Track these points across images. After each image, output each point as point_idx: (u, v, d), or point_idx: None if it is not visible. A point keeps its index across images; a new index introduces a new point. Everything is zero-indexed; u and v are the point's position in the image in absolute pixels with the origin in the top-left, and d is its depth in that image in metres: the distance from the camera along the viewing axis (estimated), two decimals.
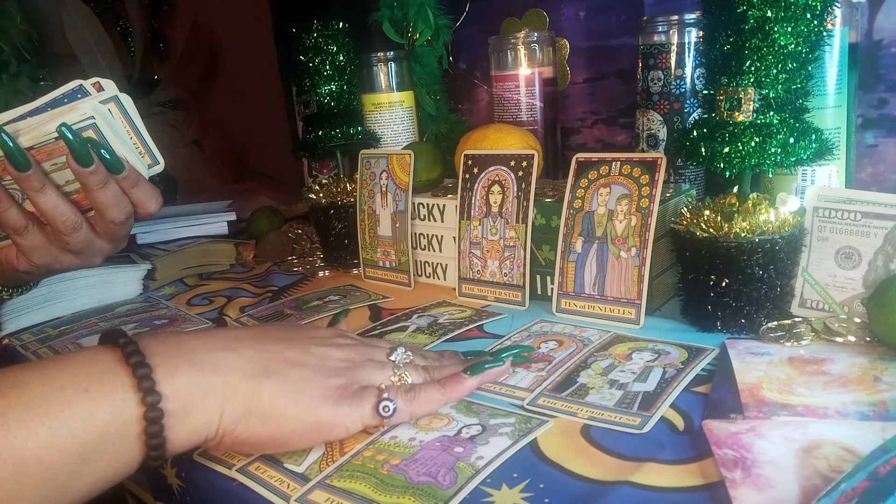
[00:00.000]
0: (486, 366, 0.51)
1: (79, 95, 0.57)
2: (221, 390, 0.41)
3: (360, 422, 0.45)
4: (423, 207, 0.80)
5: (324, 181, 0.92)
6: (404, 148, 0.86)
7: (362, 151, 0.86)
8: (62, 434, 0.36)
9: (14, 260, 0.61)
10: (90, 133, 0.54)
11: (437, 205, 0.79)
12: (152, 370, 0.39)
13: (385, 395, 0.46)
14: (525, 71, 0.90)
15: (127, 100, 0.58)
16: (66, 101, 0.56)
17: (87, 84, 0.57)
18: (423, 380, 0.49)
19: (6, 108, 0.57)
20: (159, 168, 0.60)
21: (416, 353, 0.52)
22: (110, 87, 0.58)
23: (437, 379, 0.50)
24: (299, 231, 1.07)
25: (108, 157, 0.55)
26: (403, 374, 0.48)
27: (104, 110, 0.55)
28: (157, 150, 0.60)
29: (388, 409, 0.45)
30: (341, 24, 0.90)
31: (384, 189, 0.82)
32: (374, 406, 0.45)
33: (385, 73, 0.97)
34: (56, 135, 0.52)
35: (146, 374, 0.38)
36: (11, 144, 0.52)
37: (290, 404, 0.43)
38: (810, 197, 0.58)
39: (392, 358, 0.49)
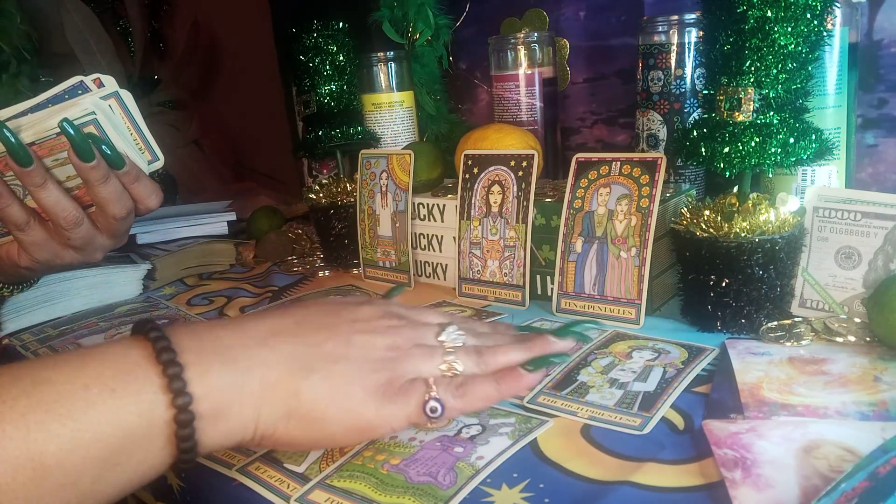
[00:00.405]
0: (552, 359, 0.47)
1: (79, 92, 0.57)
2: (259, 392, 0.38)
3: (406, 421, 0.42)
4: (423, 207, 0.80)
5: (324, 181, 0.92)
6: (404, 148, 0.86)
7: (362, 151, 0.86)
8: (86, 437, 0.33)
9: (15, 256, 0.61)
10: (91, 129, 0.54)
11: (437, 205, 0.79)
12: (184, 369, 0.36)
13: (433, 392, 0.42)
14: (525, 71, 0.90)
15: (127, 96, 0.58)
16: (66, 97, 0.57)
17: (88, 80, 0.57)
18: (476, 368, 0.45)
19: (6, 107, 0.57)
20: (159, 164, 0.61)
21: (468, 330, 0.48)
22: (111, 83, 0.58)
23: (491, 368, 0.45)
24: (299, 231, 1.07)
25: (108, 152, 0.55)
26: (454, 363, 0.44)
27: (105, 106, 0.55)
28: (157, 147, 0.60)
29: (437, 411, 0.42)
30: (341, 24, 0.90)
31: (384, 189, 0.82)
32: (420, 405, 0.42)
33: (385, 73, 0.97)
34: (57, 130, 0.52)
35: (177, 374, 0.36)
36: (13, 140, 0.52)
37: (331, 405, 0.40)
38: (810, 197, 0.58)
39: (442, 339, 0.46)
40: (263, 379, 0.39)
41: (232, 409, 0.38)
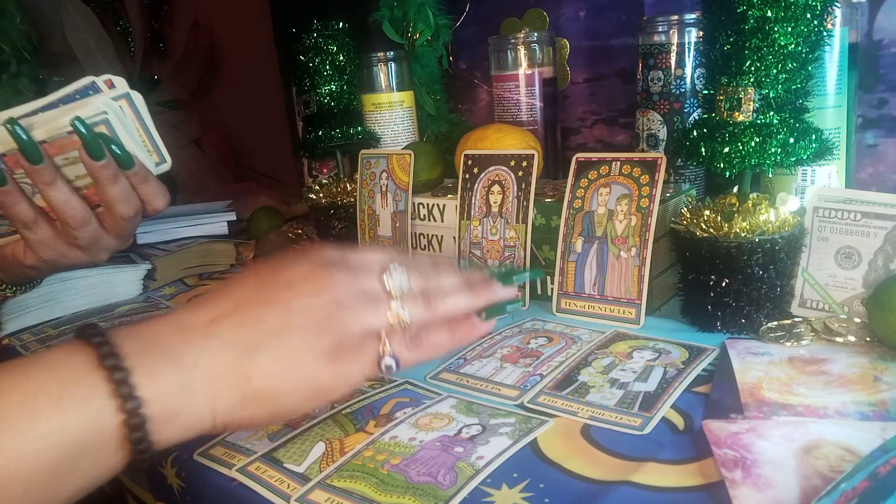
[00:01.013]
0: (507, 307, 0.46)
1: (90, 92, 0.57)
2: (209, 384, 0.38)
3: (362, 377, 0.42)
4: (423, 207, 0.80)
5: (324, 181, 0.92)
6: (404, 148, 0.86)
7: (362, 151, 0.86)
8: (35, 448, 0.33)
9: (21, 255, 0.61)
10: (102, 128, 0.55)
11: (437, 205, 0.79)
12: (130, 373, 0.36)
13: (387, 347, 0.42)
14: (525, 71, 0.90)
15: (138, 97, 0.58)
16: (78, 97, 0.57)
17: (99, 81, 0.58)
18: (427, 315, 0.43)
19: (6, 108, 0.57)
20: (166, 167, 0.61)
21: (411, 269, 0.45)
22: (121, 84, 0.58)
23: (441, 315, 0.44)
24: (299, 231, 1.07)
25: (118, 152, 0.55)
26: (402, 313, 0.42)
27: (116, 106, 0.56)
28: (165, 149, 0.61)
29: (392, 369, 0.42)
30: (341, 24, 0.90)
31: (384, 189, 0.82)
32: (374, 361, 0.42)
33: (385, 73, 0.97)
34: (69, 129, 0.53)
35: (123, 379, 0.35)
36: (25, 137, 0.52)
37: (284, 380, 0.39)
38: (810, 197, 0.58)
39: (387, 285, 0.43)
40: (211, 370, 0.38)
41: (184, 407, 0.37)
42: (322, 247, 0.46)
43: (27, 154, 0.53)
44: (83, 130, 0.53)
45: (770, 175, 0.67)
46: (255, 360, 0.39)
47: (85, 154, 0.53)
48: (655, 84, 0.77)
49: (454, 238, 0.76)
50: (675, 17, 0.75)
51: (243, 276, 0.44)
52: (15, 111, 0.55)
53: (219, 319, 0.40)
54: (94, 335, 0.37)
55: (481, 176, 0.73)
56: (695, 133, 0.56)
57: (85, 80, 0.58)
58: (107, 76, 0.58)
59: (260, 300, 0.41)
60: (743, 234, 0.55)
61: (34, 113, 0.56)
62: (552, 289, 0.67)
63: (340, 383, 0.41)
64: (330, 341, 0.40)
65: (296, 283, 0.42)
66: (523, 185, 0.70)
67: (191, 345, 0.39)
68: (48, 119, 0.55)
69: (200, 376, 0.38)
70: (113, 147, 0.55)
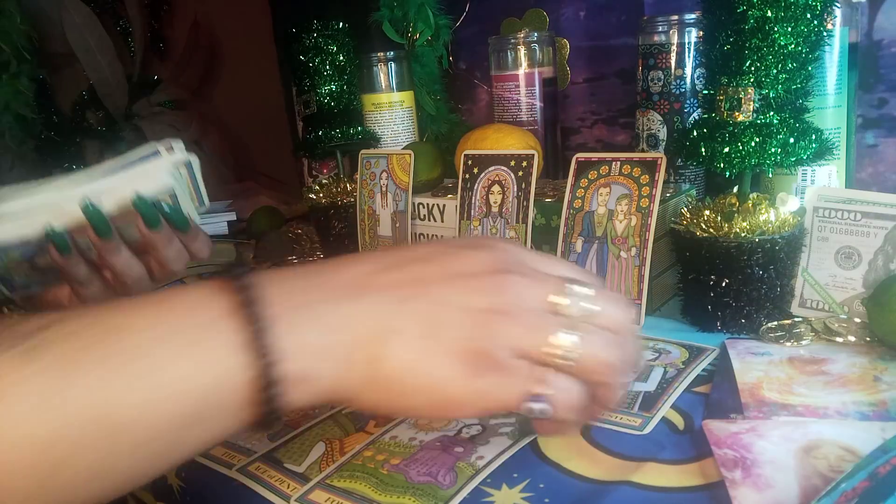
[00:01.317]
0: None
1: (152, 158, 0.59)
2: (345, 354, 0.34)
3: (497, 404, 0.35)
4: (423, 207, 0.80)
5: (324, 181, 0.92)
6: (404, 148, 0.86)
7: (362, 151, 0.86)
8: (164, 394, 0.30)
9: (65, 301, 0.60)
10: (165, 198, 0.57)
11: (437, 205, 0.79)
12: (270, 325, 0.32)
13: (540, 383, 0.34)
14: (525, 71, 0.90)
15: (195, 161, 0.61)
16: (140, 163, 0.59)
17: (161, 147, 0.59)
18: (603, 356, 0.35)
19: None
20: (204, 209, 0.63)
21: (598, 294, 0.36)
22: (180, 148, 0.60)
23: (615, 362, 0.36)
24: (299, 231, 1.07)
25: (176, 217, 0.57)
26: (566, 351, 0.34)
27: (177, 174, 0.58)
28: (206, 193, 0.63)
29: (544, 412, 0.35)
30: (341, 24, 0.90)
31: (384, 189, 0.82)
32: (519, 394, 0.34)
33: (385, 73, 0.97)
34: (133, 200, 0.55)
35: (262, 331, 0.32)
36: (98, 214, 0.54)
37: (414, 378, 0.34)
38: (810, 197, 0.58)
39: (560, 306, 0.35)
40: (350, 338, 0.34)
41: (317, 371, 0.34)
42: (503, 242, 0.39)
43: (97, 229, 0.54)
44: (145, 208, 0.55)
45: (770, 175, 0.67)
46: (391, 345, 0.34)
47: (143, 225, 0.55)
48: (655, 84, 0.77)
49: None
50: (675, 17, 0.75)
51: (416, 246, 0.39)
52: (77, 178, 0.57)
53: (370, 285, 0.36)
54: (237, 278, 0.34)
55: (481, 176, 0.73)
56: (695, 133, 0.56)
57: (148, 149, 0.59)
58: (167, 141, 0.60)
59: (416, 279, 0.36)
60: (743, 234, 0.55)
61: (96, 177, 0.57)
62: None
63: (473, 401, 0.35)
64: (475, 350, 0.34)
65: (460, 276, 0.36)
66: (523, 185, 0.70)
67: (337, 307, 0.35)
68: (113, 189, 0.56)
69: (337, 345, 0.34)
70: (171, 212, 0.57)
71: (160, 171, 0.57)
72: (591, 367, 0.35)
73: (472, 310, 0.35)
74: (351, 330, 0.34)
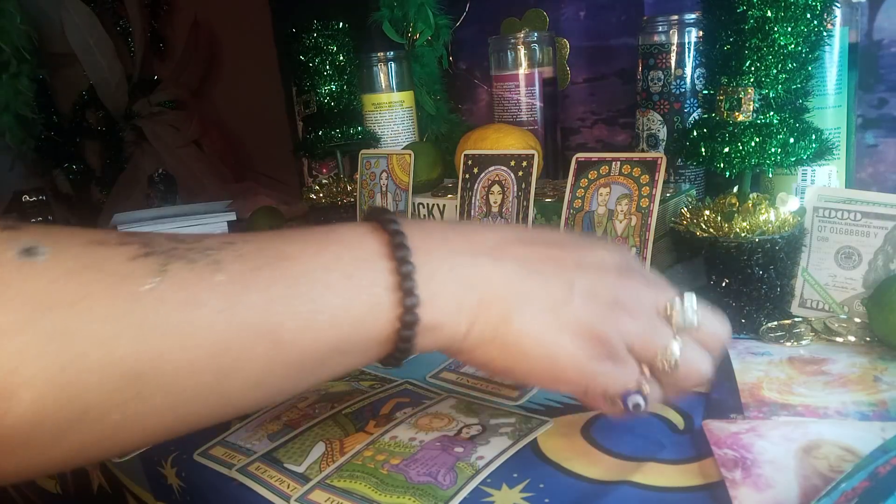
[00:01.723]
0: None
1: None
2: (475, 309, 0.36)
3: (602, 389, 0.38)
4: (423, 207, 0.80)
5: (324, 181, 0.92)
6: (404, 148, 0.86)
7: (362, 151, 0.86)
8: (321, 319, 0.32)
9: None
10: None
11: (437, 205, 0.79)
12: (416, 270, 0.34)
13: (643, 382, 0.38)
14: (525, 71, 0.90)
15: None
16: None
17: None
18: (697, 366, 0.38)
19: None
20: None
21: (699, 310, 0.39)
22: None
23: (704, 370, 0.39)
24: None
25: None
26: (675, 351, 0.37)
27: None
28: None
29: (640, 407, 0.37)
30: (341, 24, 0.90)
31: (384, 189, 0.82)
32: (623, 383, 0.38)
33: (385, 73, 0.97)
34: None
35: (409, 273, 0.34)
36: None
37: (536, 346, 0.36)
38: (810, 197, 0.58)
39: (672, 313, 0.38)
40: (482, 296, 0.36)
41: (447, 320, 0.36)
42: (622, 248, 0.42)
43: None
44: None
45: (770, 175, 0.67)
46: (522, 309, 0.36)
47: None
48: (655, 84, 0.77)
49: None
50: (675, 17, 0.75)
51: (533, 230, 0.41)
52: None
53: (506, 247, 0.38)
54: (389, 221, 0.36)
55: (481, 176, 0.73)
56: (695, 133, 0.56)
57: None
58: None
59: (548, 256, 0.38)
60: (743, 234, 0.55)
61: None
62: None
63: (582, 379, 0.37)
64: (598, 335, 0.37)
65: (585, 266, 0.39)
66: (523, 185, 0.70)
67: (475, 262, 0.37)
68: None
69: (471, 297, 0.36)
70: None
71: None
72: (683, 377, 0.38)
73: (599, 298, 0.37)
74: (486, 287, 0.36)
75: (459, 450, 0.44)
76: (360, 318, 0.34)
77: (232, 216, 1.11)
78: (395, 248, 0.35)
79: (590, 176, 0.65)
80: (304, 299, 0.32)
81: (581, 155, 0.66)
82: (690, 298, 0.38)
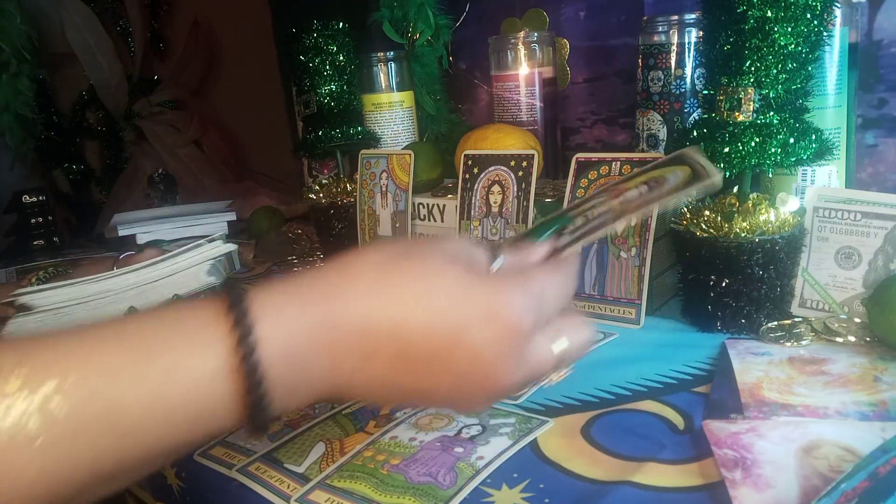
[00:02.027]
0: None
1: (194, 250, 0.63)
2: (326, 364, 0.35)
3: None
4: (423, 207, 0.80)
5: (324, 181, 0.92)
6: (404, 148, 0.86)
7: (362, 151, 0.86)
8: (169, 387, 0.32)
9: None
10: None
11: (437, 205, 0.79)
12: (249, 316, 0.34)
13: None
14: (525, 71, 0.90)
15: (234, 250, 0.67)
16: (183, 255, 0.65)
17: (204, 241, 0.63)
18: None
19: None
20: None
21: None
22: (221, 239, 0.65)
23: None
24: (299, 231, 1.07)
25: None
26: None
27: (218, 268, 0.65)
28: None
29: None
30: (341, 24, 0.90)
31: (384, 189, 0.82)
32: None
33: (385, 73, 0.97)
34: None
35: (241, 320, 0.33)
36: None
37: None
38: (810, 197, 0.58)
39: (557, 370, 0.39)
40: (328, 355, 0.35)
41: (303, 367, 0.34)
42: (521, 314, 0.34)
43: None
44: None
45: (770, 175, 0.67)
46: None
47: None
48: (655, 84, 0.77)
49: None
50: (675, 17, 0.75)
51: (422, 346, 0.35)
52: (130, 279, 0.60)
53: (364, 379, 0.36)
54: (233, 287, 0.35)
55: (481, 176, 0.73)
56: (695, 133, 0.56)
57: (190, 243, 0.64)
58: (211, 237, 0.65)
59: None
60: (743, 234, 0.55)
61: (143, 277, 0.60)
62: None
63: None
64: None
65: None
66: (523, 185, 0.70)
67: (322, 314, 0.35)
68: (153, 289, 0.61)
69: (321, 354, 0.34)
70: None
71: (201, 270, 0.57)
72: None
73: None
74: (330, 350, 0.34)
75: (459, 450, 0.44)
76: (200, 376, 0.33)
77: (232, 216, 1.11)
78: (231, 305, 0.34)
79: (590, 176, 0.65)
80: (151, 367, 0.32)
81: (581, 155, 0.66)
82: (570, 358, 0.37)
